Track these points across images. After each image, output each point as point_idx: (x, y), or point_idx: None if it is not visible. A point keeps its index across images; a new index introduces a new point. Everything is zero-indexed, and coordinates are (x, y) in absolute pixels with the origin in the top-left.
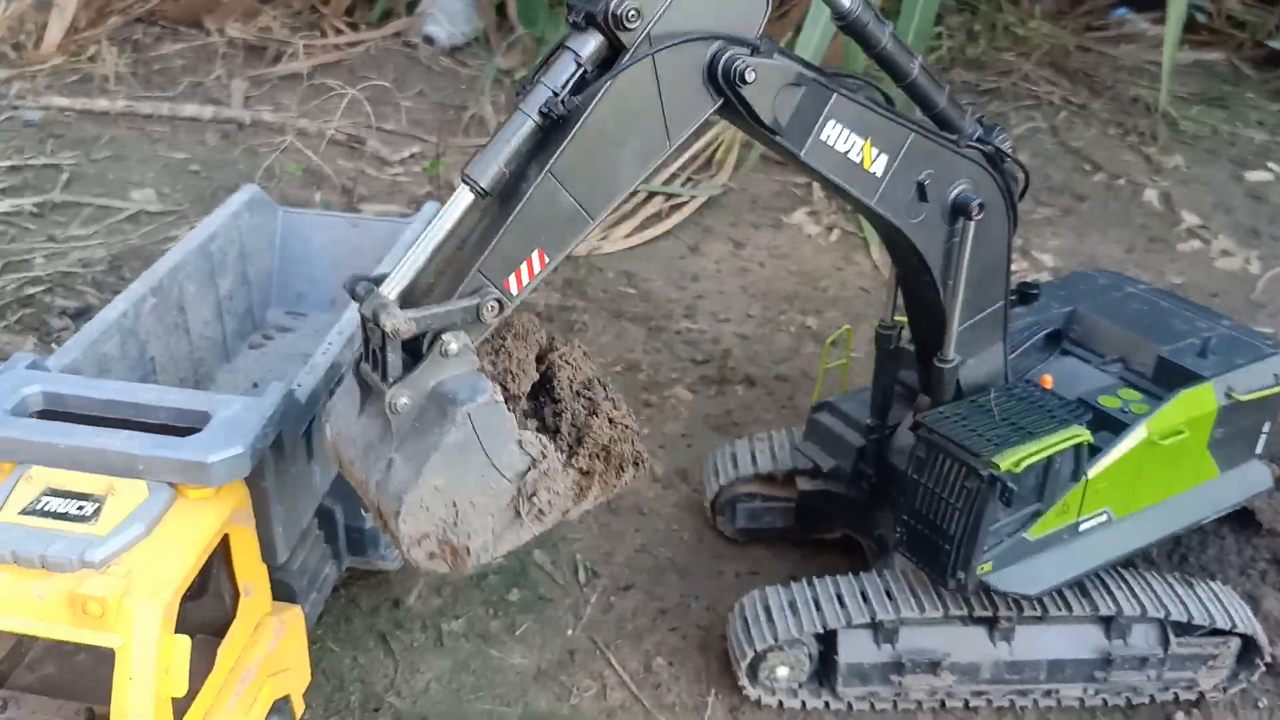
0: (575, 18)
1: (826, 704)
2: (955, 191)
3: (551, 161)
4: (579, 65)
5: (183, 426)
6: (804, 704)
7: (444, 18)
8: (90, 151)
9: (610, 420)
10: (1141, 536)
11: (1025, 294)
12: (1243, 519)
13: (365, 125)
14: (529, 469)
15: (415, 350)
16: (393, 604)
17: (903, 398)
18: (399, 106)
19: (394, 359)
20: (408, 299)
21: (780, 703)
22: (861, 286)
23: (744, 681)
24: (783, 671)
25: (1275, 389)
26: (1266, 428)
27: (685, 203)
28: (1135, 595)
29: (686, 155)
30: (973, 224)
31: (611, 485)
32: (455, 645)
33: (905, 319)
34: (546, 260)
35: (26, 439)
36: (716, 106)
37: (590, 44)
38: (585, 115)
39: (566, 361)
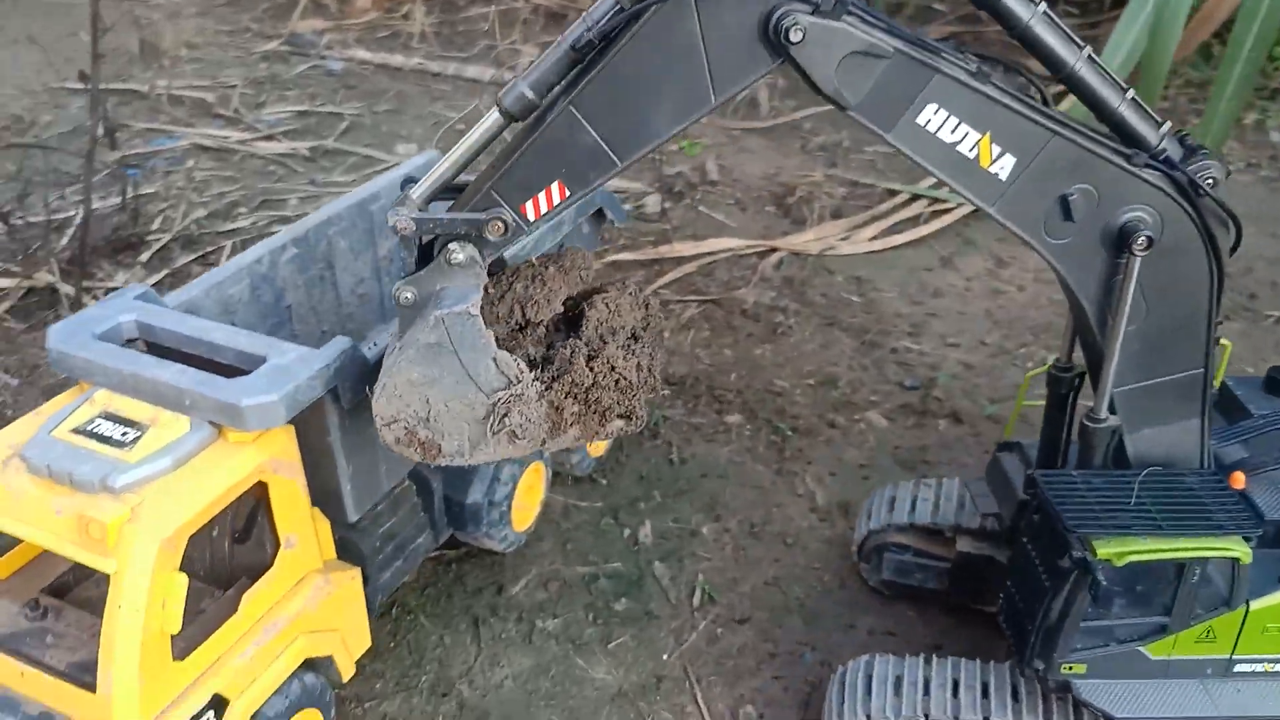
0: None
1: None
2: (1124, 217)
3: (573, 94)
4: (618, 3)
5: (243, 369)
6: None
7: None
8: (374, 104)
9: (612, 368)
10: None
11: (1274, 380)
12: None
13: None
14: (504, 389)
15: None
16: (496, 590)
17: None
18: None
19: (406, 256)
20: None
21: None
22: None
23: None
24: None
25: None
26: None
27: (951, 209)
28: None
29: None
30: (1137, 259)
31: (594, 431)
32: (544, 645)
33: None
34: (568, 193)
35: (98, 362)
36: (774, 67)
37: None
38: (612, 53)
39: (606, 305)
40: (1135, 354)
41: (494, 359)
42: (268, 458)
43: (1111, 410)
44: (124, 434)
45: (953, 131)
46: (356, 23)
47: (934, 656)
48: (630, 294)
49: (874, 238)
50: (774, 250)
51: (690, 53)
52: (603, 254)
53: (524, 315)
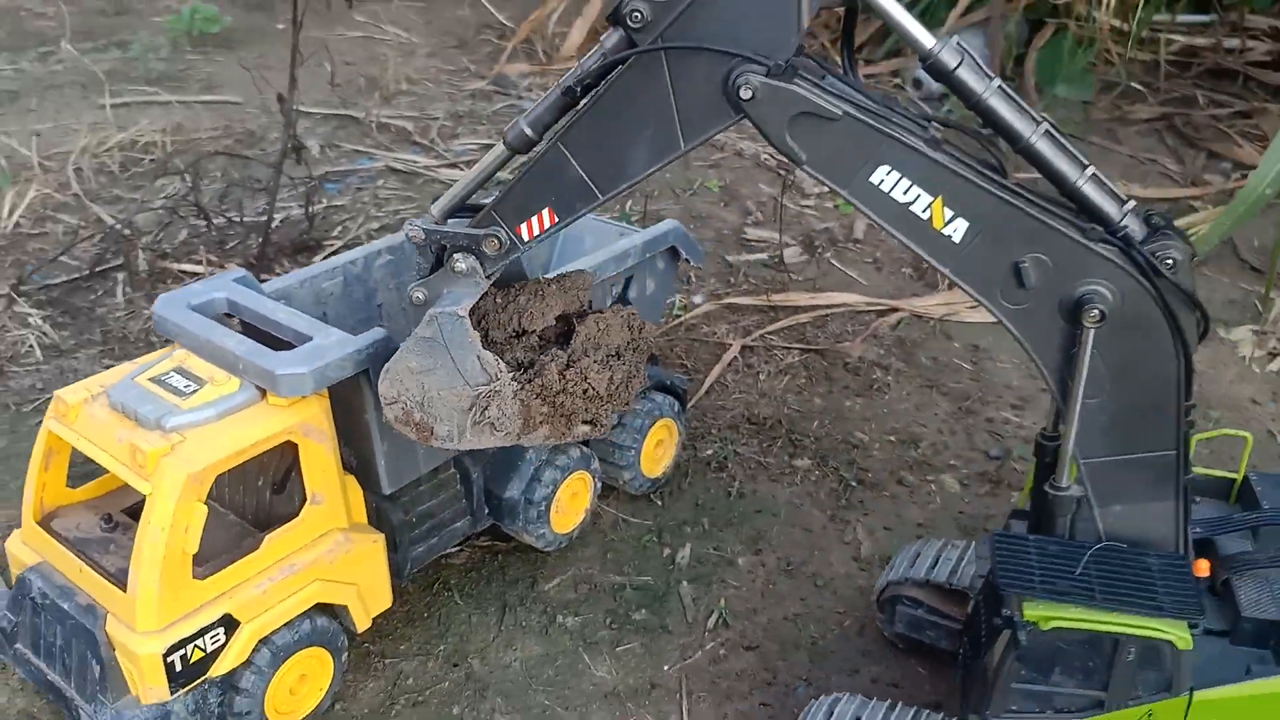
0: (609, 13)
1: None
2: (1080, 289)
3: (560, 133)
4: (603, 55)
5: (292, 345)
6: None
7: None
8: None
9: (585, 378)
10: None
11: None
12: None
13: None
14: (485, 384)
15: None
16: (530, 583)
17: None
18: None
19: (421, 262)
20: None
21: None
22: (1269, 431)
23: None
24: None
25: None
26: None
27: None
28: None
29: None
30: (1090, 331)
31: (561, 432)
32: (558, 638)
33: None
34: (556, 219)
35: (183, 326)
36: (735, 120)
37: (613, 39)
38: (592, 99)
39: (596, 323)
40: (1102, 427)
41: (478, 357)
42: (298, 422)
43: (1078, 481)
44: (186, 386)
45: (905, 193)
46: (560, 68)
47: (899, 704)
48: (623, 317)
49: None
50: (894, 310)
51: (662, 102)
52: (721, 296)
53: (520, 324)
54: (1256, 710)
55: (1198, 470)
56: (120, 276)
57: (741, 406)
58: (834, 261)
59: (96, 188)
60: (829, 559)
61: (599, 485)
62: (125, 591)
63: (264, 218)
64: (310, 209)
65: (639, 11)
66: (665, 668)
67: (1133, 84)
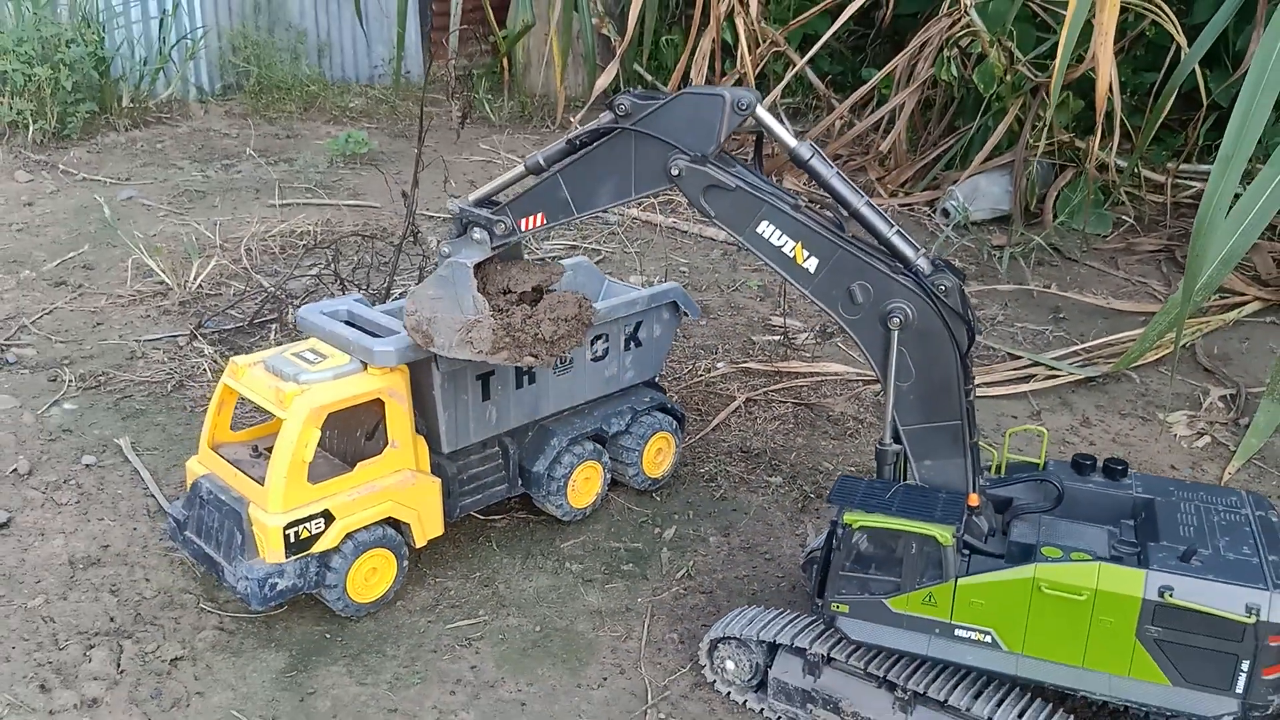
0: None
1: (761, 711)
2: (890, 306)
3: (558, 168)
4: (596, 127)
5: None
6: (744, 703)
7: (966, 197)
8: (626, 246)
9: (538, 325)
10: (1033, 674)
11: (1110, 469)
12: None
13: None
14: (473, 315)
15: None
16: (551, 542)
17: None
18: None
19: (453, 228)
20: (481, 204)
21: (728, 694)
22: None
23: (703, 660)
24: (730, 665)
25: (1233, 616)
26: (1245, 666)
27: (1063, 377)
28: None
29: (1097, 341)
30: (894, 334)
31: (515, 358)
32: (563, 576)
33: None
34: (545, 222)
35: (318, 324)
36: (668, 186)
37: (605, 117)
38: (585, 150)
39: (558, 296)
40: (912, 404)
41: (472, 297)
42: (386, 385)
43: (897, 440)
44: (315, 359)
45: (778, 239)
46: None
47: (789, 609)
48: (577, 298)
49: (976, 386)
50: (878, 381)
51: (626, 163)
52: (739, 362)
53: (507, 285)
54: (994, 592)
55: (1011, 457)
56: (274, 326)
57: (738, 440)
58: (840, 345)
59: (261, 263)
60: (781, 544)
61: (608, 476)
62: (263, 486)
63: (386, 285)
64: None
65: (623, 105)
66: (638, 599)
67: (1138, 220)
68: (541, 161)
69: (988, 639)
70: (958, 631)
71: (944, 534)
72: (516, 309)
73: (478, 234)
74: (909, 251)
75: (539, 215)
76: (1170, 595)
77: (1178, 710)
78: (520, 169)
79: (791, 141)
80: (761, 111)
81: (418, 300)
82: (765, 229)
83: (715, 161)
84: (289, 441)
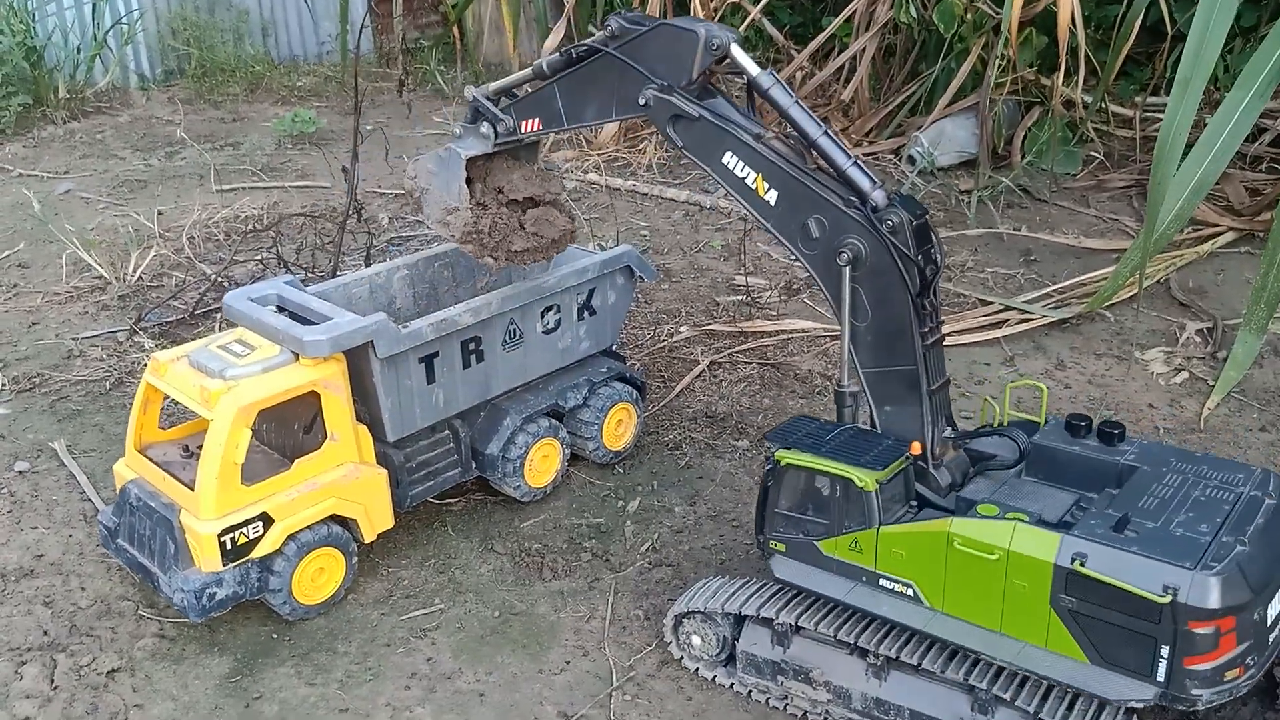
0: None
1: (731, 685)
2: (845, 242)
3: (555, 80)
4: (590, 44)
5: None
6: (713, 679)
7: (931, 143)
8: (587, 213)
9: (508, 236)
10: (946, 633)
11: (1105, 432)
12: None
13: None
14: (455, 201)
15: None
16: (510, 523)
17: None
18: None
19: (468, 112)
20: (500, 96)
21: (696, 670)
22: (1165, 426)
23: (669, 636)
24: (696, 640)
25: (1146, 594)
26: (1165, 652)
27: (1036, 320)
28: (1010, 678)
29: (1069, 282)
30: (845, 270)
31: (477, 253)
32: (523, 558)
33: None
34: (541, 127)
35: (245, 312)
36: (641, 114)
37: (598, 36)
38: (574, 68)
39: (544, 214)
40: (870, 345)
41: (459, 187)
42: (320, 377)
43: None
44: (243, 351)
45: (741, 170)
46: (599, 153)
47: (751, 579)
48: (564, 224)
49: (947, 334)
50: None
51: (610, 86)
52: (702, 325)
53: (502, 186)
54: (912, 543)
55: (1013, 413)
56: (218, 315)
57: (703, 405)
58: (807, 301)
59: (205, 251)
60: (748, 510)
61: (567, 451)
62: (193, 491)
63: (332, 265)
64: (370, 262)
65: (612, 26)
66: (601, 576)
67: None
68: (545, 68)
69: (910, 592)
70: (883, 581)
71: (865, 478)
72: (502, 210)
73: (484, 128)
74: (865, 184)
75: (536, 121)
76: (1082, 564)
77: (1086, 690)
78: (528, 71)
79: (754, 70)
80: (736, 50)
81: (419, 170)
82: (729, 160)
83: (682, 91)
84: (217, 444)
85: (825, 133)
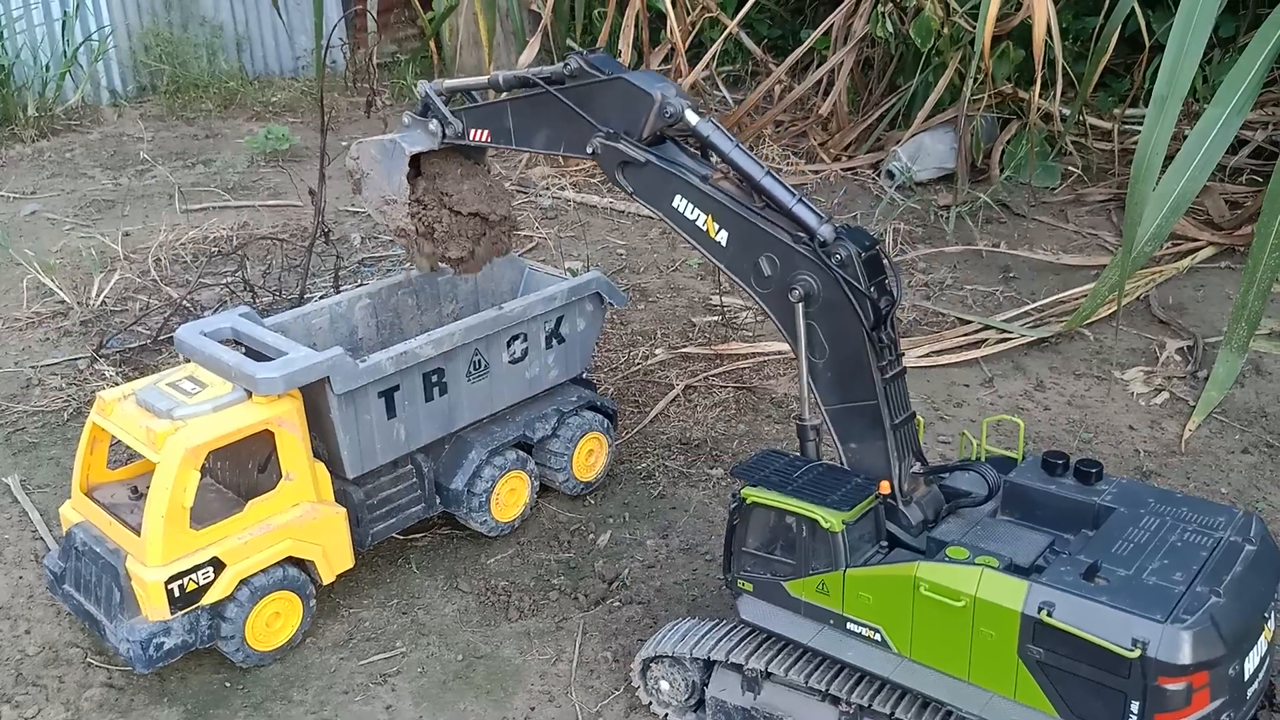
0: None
1: None
2: (797, 278)
3: (509, 98)
4: (550, 74)
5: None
6: None
7: (910, 157)
8: (563, 230)
9: (445, 244)
10: (913, 681)
11: (1082, 471)
12: None
13: None
14: (394, 193)
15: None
16: (475, 559)
17: None
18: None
19: (419, 106)
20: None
21: (665, 716)
22: (1145, 449)
23: (637, 681)
24: (665, 685)
25: (1114, 647)
26: (1135, 708)
27: (1015, 339)
28: None
29: (1048, 299)
30: (798, 306)
31: (411, 255)
32: (489, 597)
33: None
34: (490, 139)
35: (197, 347)
36: (589, 156)
37: (558, 67)
38: (526, 93)
39: (492, 239)
40: (830, 382)
41: (399, 181)
42: (274, 415)
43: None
44: (193, 388)
45: (691, 213)
46: (577, 169)
47: (722, 621)
48: (504, 249)
49: (925, 354)
50: None
51: (559, 123)
52: (678, 347)
53: (449, 196)
54: (879, 586)
55: (990, 448)
56: None
57: (677, 431)
58: None
59: (171, 273)
60: (721, 544)
61: (536, 484)
62: (139, 536)
63: (299, 290)
64: (339, 286)
65: (571, 66)
66: (570, 617)
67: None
68: (501, 81)
69: (877, 637)
70: (850, 625)
71: (831, 519)
72: (443, 212)
73: (433, 125)
74: (812, 221)
75: (486, 133)
76: (1049, 614)
77: None
78: (484, 79)
79: (694, 120)
80: (690, 115)
81: (363, 153)
82: (679, 202)
83: (627, 138)
84: (164, 487)
85: (768, 173)
